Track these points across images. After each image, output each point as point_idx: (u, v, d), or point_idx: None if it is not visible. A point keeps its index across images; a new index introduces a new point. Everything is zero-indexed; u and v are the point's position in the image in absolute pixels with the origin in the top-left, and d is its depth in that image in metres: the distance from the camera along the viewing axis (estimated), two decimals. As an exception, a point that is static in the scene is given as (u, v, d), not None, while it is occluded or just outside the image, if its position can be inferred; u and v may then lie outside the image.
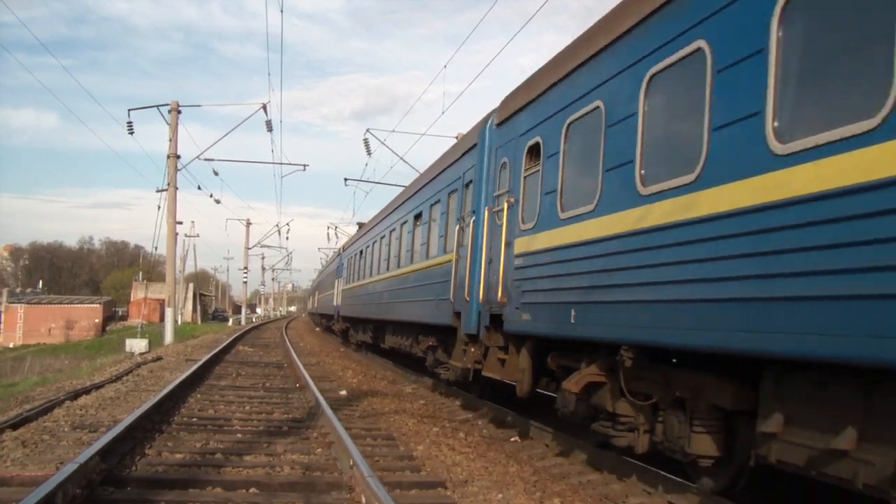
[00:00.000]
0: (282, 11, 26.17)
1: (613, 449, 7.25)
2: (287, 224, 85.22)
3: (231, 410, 10.58)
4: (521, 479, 7.03)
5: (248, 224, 65.33)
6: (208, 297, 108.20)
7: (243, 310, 71.51)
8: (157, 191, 29.24)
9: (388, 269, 18.36)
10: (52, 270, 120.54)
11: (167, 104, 28.84)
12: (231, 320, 71.90)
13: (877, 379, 4.13)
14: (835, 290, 3.99)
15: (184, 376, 13.25)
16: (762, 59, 4.70)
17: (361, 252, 24.45)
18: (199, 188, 47.59)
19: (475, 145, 11.12)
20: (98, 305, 79.45)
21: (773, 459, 4.95)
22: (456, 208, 12.09)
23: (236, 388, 13.33)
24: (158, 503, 5.66)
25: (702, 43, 5.36)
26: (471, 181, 11.23)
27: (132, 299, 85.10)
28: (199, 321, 75.92)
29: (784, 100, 4.56)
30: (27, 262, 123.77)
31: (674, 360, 6.35)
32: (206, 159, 32.86)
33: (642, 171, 6.15)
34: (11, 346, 66.73)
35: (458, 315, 11.12)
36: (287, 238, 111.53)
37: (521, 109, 9.24)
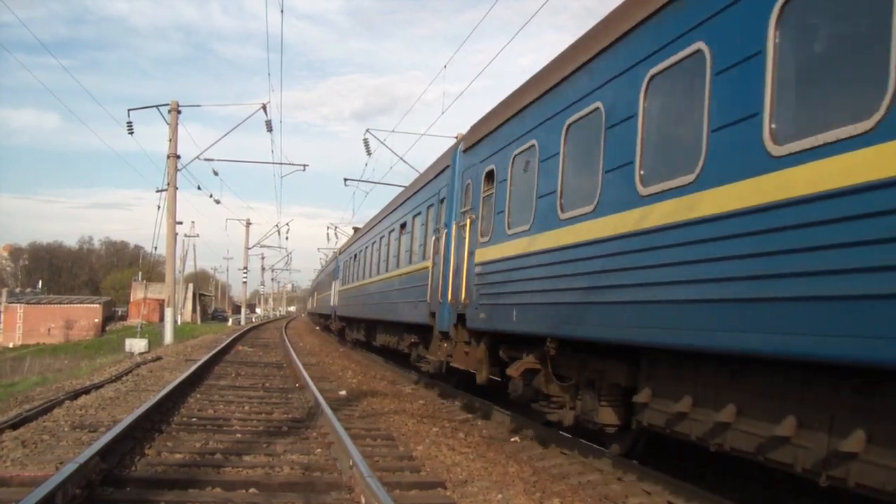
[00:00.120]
0: (282, 12, 26.19)
1: (551, 425, 8.78)
2: (287, 224, 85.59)
3: (231, 410, 10.59)
4: (520, 480, 7.05)
5: (248, 224, 65.39)
6: (208, 297, 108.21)
7: (243, 310, 71.48)
8: (157, 191, 29.26)
9: (378, 272, 19.97)
10: (52, 270, 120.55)
11: (167, 104, 28.84)
12: (231, 320, 71.84)
13: (704, 363, 5.70)
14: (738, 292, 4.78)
15: (183, 376, 13.26)
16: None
17: (356, 256, 26.00)
18: (198, 188, 47.55)
19: (448, 166, 12.68)
20: (98, 305, 79.41)
21: (646, 423, 6.58)
22: (433, 221, 13.56)
23: (236, 388, 13.34)
24: (158, 503, 5.67)
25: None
26: (444, 198, 12.75)
27: (132, 299, 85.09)
28: (199, 321, 75.93)
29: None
30: (27, 262, 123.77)
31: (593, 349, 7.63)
32: (205, 159, 32.92)
33: (562, 201, 7.69)
34: (11, 346, 66.74)
35: (433, 315, 12.64)
36: (287, 238, 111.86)
37: (480, 140, 10.81)
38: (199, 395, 12.08)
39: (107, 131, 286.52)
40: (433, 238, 13.15)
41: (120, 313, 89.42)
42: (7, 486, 5.79)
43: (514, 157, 9.20)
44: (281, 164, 66.50)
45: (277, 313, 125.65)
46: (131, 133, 28.29)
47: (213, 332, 41.57)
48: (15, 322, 73.08)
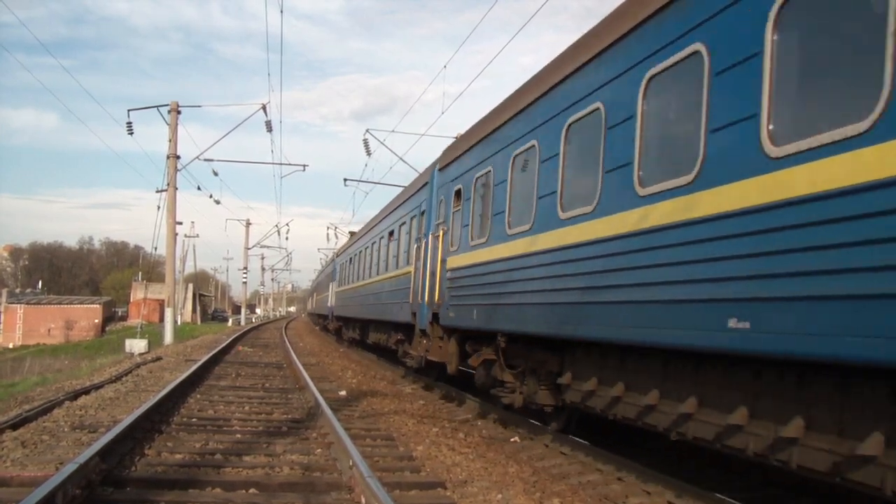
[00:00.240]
0: (281, 12, 26.27)
1: (507, 408, 10.27)
2: (287, 224, 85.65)
3: (231, 411, 10.59)
4: (520, 480, 7.05)
5: (248, 224, 65.41)
6: (208, 297, 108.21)
7: (243, 310, 71.48)
8: (157, 191, 29.25)
9: (370, 275, 21.66)
10: (52, 271, 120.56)
11: (167, 105, 28.85)
12: (230, 321, 71.85)
13: (610, 352, 7.22)
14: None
15: (183, 376, 13.26)
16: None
17: (351, 259, 27.76)
18: (198, 188, 47.44)
19: (427, 183, 14.33)
20: (98, 306, 79.41)
21: (568, 401, 8.26)
22: (415, 230, 15.10)
23: (236, 389, 13.35)
24: (158, 503, 5.67)
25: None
26: (424, 210, 14.34)
27: (132, 300, 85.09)
28: (199, 321, 75.94)
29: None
30: (27, 263, 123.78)
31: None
32: (205, 160, 32.87)
33: (510, 219, 9.15)
34: (11, 346, 66.76)
35: (414, 314, 14.22)
36: (287, 238, 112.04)
37: (450, 163, 12.54)
38: (199, 396, 12.09)
39: (107, 131, 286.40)
40: (415, 246, 14.72)
41: (120, 314, 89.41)
42: (7, 486, 5.80)
43: (475, 179, 10.78)
44: (281, 164, 66.81)
45: (277, 314, 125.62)
46: (131, 133, 28.34)
47: (213, 333, 41.58)
48: (15, 322, 73.09)
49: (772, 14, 4.62)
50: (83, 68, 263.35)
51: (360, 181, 34.50)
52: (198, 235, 73.80)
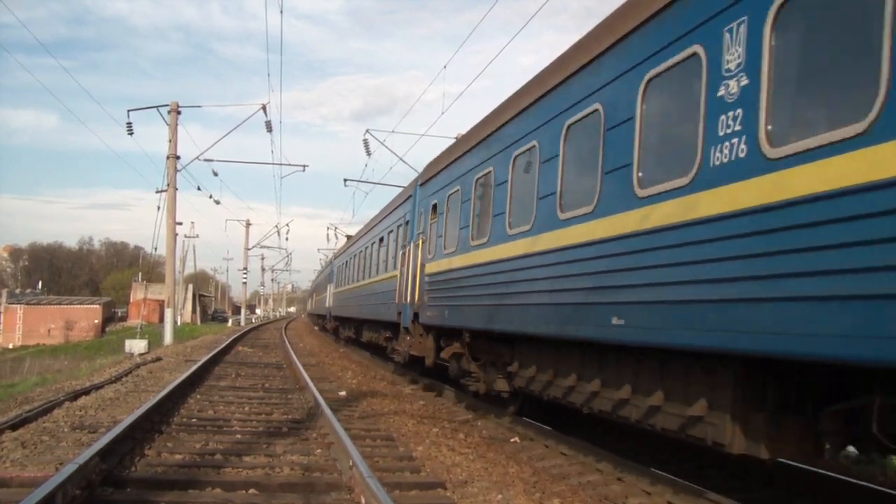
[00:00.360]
0: (281, 12, 26.30)
1: (475, 395, 11.67)
2: (287, 225, 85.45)
3: (230, 411, 10.60)
4: (520, 480, 7.06)
5: (248, 225, 65.45)
6: (208, 297, 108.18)
7: (243, 310, 71.49)
8: (157, 191, 29.20)
9: (363, 278, 23.15)
10: (52, 271, 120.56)
11: (167, 105, 28.83)
12: (230, 321, 71.85)
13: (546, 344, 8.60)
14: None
15: (183, 377, 13.27)
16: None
17: (347, 262, 29.32)
18: (198, 189, 47.19)
19: (410, 196, 15.83)
20: (97, 306, 79.36)
21: (517, 386, 9.79)
22: (401, 238, 16.54)
23: (236, 389, 13.36)
24: (158, 503, 5.68)
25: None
26: (408, 220, 15.82)
27: (132, 300, 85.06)
28: (199, 322, 75.95)
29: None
30: (27, 263, 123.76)
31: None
32: (205, 160, 32.80)
33: (474, 233, 10.64)
34: (11, 346, 66.72)
35: (400, 314, 15.57)
36: (287, 239, 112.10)
37: (429, 179, 14.04)
38: (198, 396, 12.10)
39: (106, 131, 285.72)
40: (400, 252, 16.21)
41: (120, 314, 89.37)
42: (7, 486, 5.80)
43: (448, 197, 12.23)
44: (281, 164, 66.86)
45: (277, 314, 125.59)
46: (131, 133, 28.31)
47: (213, 333, 41.59)
48: (15, 323, 73.06)
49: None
50: (83, 69, 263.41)
51: (360, 181, 34.62)
52: (198, 236, 73.92)
